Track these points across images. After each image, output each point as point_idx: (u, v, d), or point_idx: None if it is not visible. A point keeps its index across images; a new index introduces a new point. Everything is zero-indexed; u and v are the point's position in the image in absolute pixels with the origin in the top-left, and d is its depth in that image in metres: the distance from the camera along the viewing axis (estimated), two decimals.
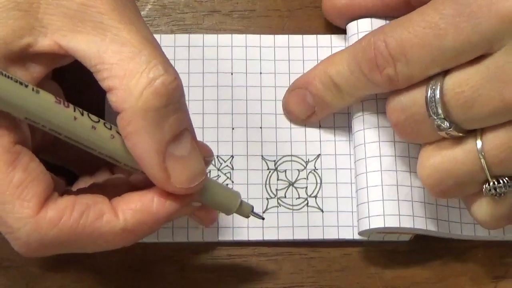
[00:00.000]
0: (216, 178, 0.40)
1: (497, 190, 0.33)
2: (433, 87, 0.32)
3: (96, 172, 0.37)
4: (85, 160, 0.34)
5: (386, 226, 0.37)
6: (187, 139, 0.31)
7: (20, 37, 0.29)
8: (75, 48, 0.30)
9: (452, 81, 0.32)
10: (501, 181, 0.33)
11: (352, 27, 0.40)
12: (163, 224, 0.32)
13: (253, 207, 0.36)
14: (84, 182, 0.36)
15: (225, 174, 0.40)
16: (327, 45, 0.42)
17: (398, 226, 0.37)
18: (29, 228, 0.29)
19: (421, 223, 0.37)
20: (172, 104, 0.30)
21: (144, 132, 0.29)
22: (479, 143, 0.32)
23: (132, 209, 0.31)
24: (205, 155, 0.33)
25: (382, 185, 0.37)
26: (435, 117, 0.32)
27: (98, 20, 0.29)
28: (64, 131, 0.30)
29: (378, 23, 0.39)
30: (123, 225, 0.31)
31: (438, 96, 0.32)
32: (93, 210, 0.30)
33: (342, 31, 0.42)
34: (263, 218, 0.38)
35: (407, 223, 0.37)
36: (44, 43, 0.30)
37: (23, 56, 0.30)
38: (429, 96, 0.32)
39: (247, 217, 0.36)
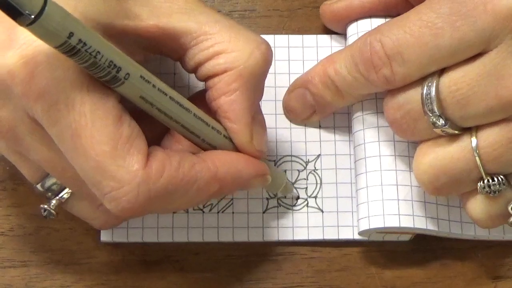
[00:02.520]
0: None
1: (492, 188, 0.33)
2: (429, 85, 0.32)
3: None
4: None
5: (386, 226, 0.37)
6: (261, 109, 0.35)
7: (120, 16, 0.31)
8: (175, 26, 0.32)
9: (448, 79, 0.32)
10: (495, 179, 0.33)
11: (352, 27, 0.40)
12: (239, 189, 0.34)
13: (293, 187, 0.40)
14: None
15: None
16: (327, 45, 0.42)
17: (398, 226, 0.37)
18: (140, 180, 0.29)
19: (421, 223, 0.37)
20: (268, 69, 0.34)
21: (245, 90, 0.33)
22: (474, 140, 0.32)
23: (222, 161, 0.33)
24: None
25: (382, 185, 0.37)
26: (431, 114, 0.32)
27: (184, 7, 0.33)
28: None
29: (377, 23, 0.39)
30: (214, 172, 0.32)
31: (433, 93, 0.32)
32: (186, 160, 0.31)
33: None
34: (298, 197, 0.40)
35: (407, 223, 0.37)
36: (144, 24, 0.32)
37: (122, 36, 0.31)
38: (425, 94, 0.32)
39: (287, 194, 0.39)
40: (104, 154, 0.29)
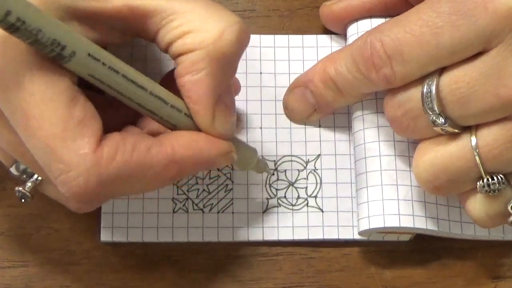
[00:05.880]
0: (216, 178, 0.40)
1: (491, 187, 0.33)
2: (429, 83, 0.32)
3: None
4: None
5: (386, 226, 0.37)
6: (232, 91, 0.34)
7: None
8: (145, 5, 0.31)
9: (449, 78, 0.32)
10: (495, 178, 0.33)
11: (352, 28, 0.40)
12: (202, 169, 0.34)
13: (267, 165, 0.39)
14: None
15: (225, 174, 0.40)
16: (327, 45, 0.42)
17: (398, 225, 0.37)
18: (90, 164, 0.29)
19: (421, 223, 0.37)
20: (241, 51, 0.32)
21: (212, 71, 0.31)
22: (473, 139, 0.32)
23: (180, 142, 0.32)
24: None
25: (382, 184, 0.37)
26: (431, 113, 0.32)
27: None
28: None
29: (377, 23, 0.39)
30: (172, 156, 0.31)
31: (434, 92, 0.32)
32: (142, 143, 0.31)
33: None
34: (272, 174, 0.40)
35: (407, 223, 0.37)
36: (112, 4, 0.31)
37: (91, 18, 0.30)
38: (425, 92, 0.32)
39: (261, 172, 0.38)
40: (53, 135, 0.29)
